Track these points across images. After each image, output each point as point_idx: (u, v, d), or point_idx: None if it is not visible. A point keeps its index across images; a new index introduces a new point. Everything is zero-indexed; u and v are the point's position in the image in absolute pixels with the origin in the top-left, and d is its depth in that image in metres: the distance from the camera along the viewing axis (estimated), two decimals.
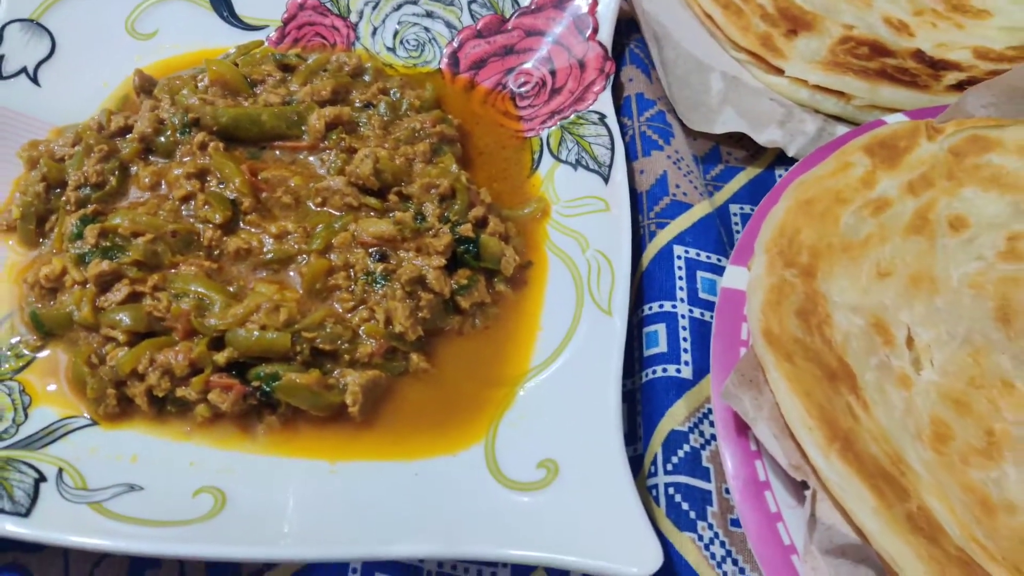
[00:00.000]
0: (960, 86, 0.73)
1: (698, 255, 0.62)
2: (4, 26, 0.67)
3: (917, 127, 0.63)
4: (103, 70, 0.71)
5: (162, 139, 0.63)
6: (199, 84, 0.67)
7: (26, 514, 0.46)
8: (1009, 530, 0.47)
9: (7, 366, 0.54)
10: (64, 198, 0.60)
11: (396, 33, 0.77)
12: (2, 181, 0.62)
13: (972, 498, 0.49)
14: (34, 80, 0.67)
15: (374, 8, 0.76)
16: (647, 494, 0.52)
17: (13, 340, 0.55)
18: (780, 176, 0.72)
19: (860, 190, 0.60)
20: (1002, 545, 0.47)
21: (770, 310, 0.52)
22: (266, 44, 0.75)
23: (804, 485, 0.48)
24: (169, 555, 0.48)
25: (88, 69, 0.70)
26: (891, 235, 0.59)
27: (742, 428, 0.51)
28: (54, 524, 0.46)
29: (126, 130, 0.64)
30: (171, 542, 0.46)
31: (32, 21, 0.68)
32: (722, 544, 0.51)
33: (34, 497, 0.47)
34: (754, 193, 0.71)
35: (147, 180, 0.61)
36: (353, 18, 0.76)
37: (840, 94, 0.75)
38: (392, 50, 0.76)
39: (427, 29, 0.77)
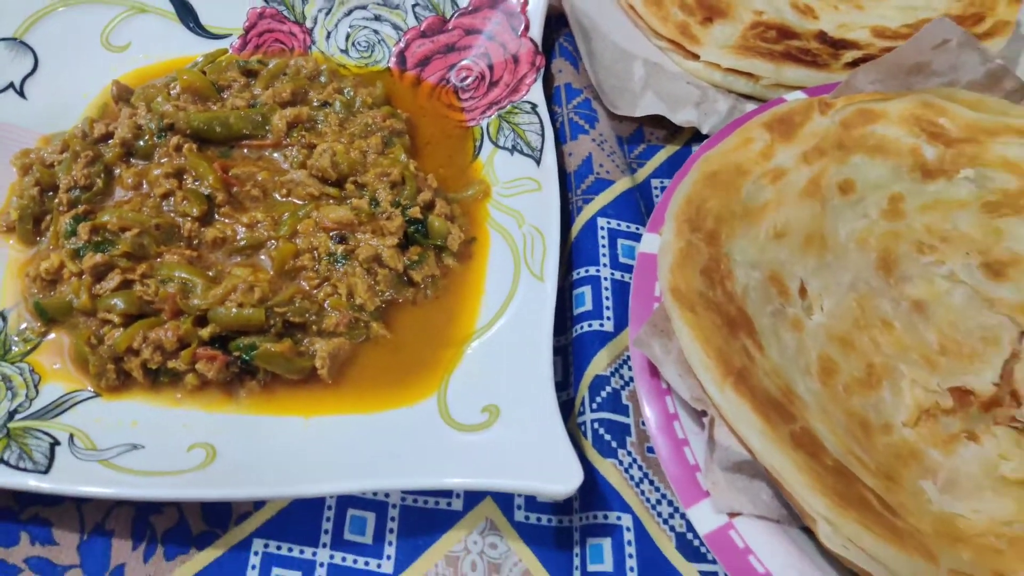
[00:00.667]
0: (856, 63, 0.77)
1: (619, 225, 0.68)
2: None
3: (811, 103, 0.67)
4: (82, 81, 0.75)
5: (141, 143, 0.68)
6: (172, 92, 0.71)
7: (46, 471, 0.52)
8: (884, 446, 0.53)
9: (16, 350, 0.60)
10: (57, 200, 0.65)
11: (348, 36, 0.80)
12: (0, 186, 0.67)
13: (854, 421, 0.53)
14: (21, 93, 0.71)
15: (327, 14, 0.80)
16: (577, 430, 0.58)
17: (21, 327, 0.61)
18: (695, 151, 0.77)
19: (760, 162, 0.63)
20: (878, 459, 0.52)
21: (678, 269, 0.56)
22: (230, 51, 0.79)
23: (704, 414, 0.53)
24: (170, 498, 0.54)
25: (69, 81, 0.74)
26: (787, 200, 0.62)
27: (654, 371, 0.56)
28: (70, 478, 0.52)
29: (108, 136, 0.69)
30: (172, 488, 0.52)
31: (16, 39, 0.72)
32: (640, 468, 0.57)
33: (51, 458, 0.53)
34: (673, 168, 0.76)
35: (130, 180, 0.66)
36: (308, 24, 0.80)
37: (750, 75, 0.79)
38: (345, 52, 0.80)
39: (376, 31, 0.80)
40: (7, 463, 0.52)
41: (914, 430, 0.54)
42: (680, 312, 0.54)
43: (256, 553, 0.55)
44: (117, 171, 0.67)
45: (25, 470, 0.52)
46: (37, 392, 0.58)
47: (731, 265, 0.58)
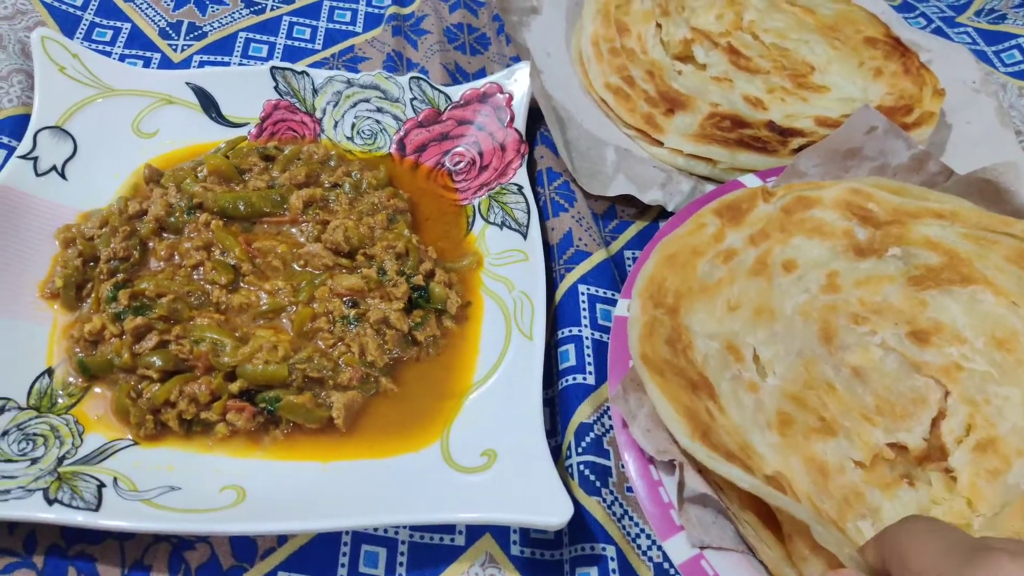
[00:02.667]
0: (801, 149, 0.83)
1: (597, 291, 0.76)
2: (37, 132, 0.77)
3: (755, 192, 0.73)
4: (115, 164, 0.81)
5: (172, 219, 0.75)
6: (199, 174, 0.79)
7: (96, 509, 0.56)
8: (837, 488, 0.57)
9: (62, 402, 0.65)
10: (98, 270, 0.71)
11: (353, 125, 0.88)
12: (43, 258, 0.73)
13: (813, 467, 0.58)
14: (62, 175, 0.78)
15: (335, 106, 0.88)
16: (565, 472, 0.64)
17: (70, 380, 0.66)
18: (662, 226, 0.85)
19: (712, 244, 0.69)
20: (831, 504, 0.56)
21: (645, 340, 0.61)
22: (248, 138, 0.86)
23: (672, 463, 0.58)
24: (206, 533, 0.59)
25: (104, 164, 0.80)
26: (738, 277, 0.68)
27: None
28: (118, 515, 0.56)
29: (141, 213, 0.76)
30: (207, 523, 0.57)
31: (57, 127, 0.79)
32: (620, 505, 0.63)
33: (99, 498, 0.58)
34: (643, 240, 0.84)
35: (163, 252, 0.73)
36: (318, 115, 0.88)
37: (709, 160, 0.86)
38: (351, 139, 0.88)
39: (378, 121, 0.89)
40: (61, 502, 0.57)
41: (864, 472, 0.58)
42: (650, 375, 0.58)
43: None
44: (151, 244, 0.74)
45: (78, 508, 0.57)
46: (82, 440, 0.63)
47: (691, 336, 0.63)
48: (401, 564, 0.62)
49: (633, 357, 0.60)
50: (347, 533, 0.63)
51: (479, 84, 0.89)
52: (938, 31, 1.14)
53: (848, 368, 0.64)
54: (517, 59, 1.03)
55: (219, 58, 0.97)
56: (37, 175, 0.77)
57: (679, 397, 0.57)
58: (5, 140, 0.81)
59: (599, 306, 0.75)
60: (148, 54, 0.97)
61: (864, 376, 0.63)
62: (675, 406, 0.57)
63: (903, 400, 0.62)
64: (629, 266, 0.82)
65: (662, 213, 0.87)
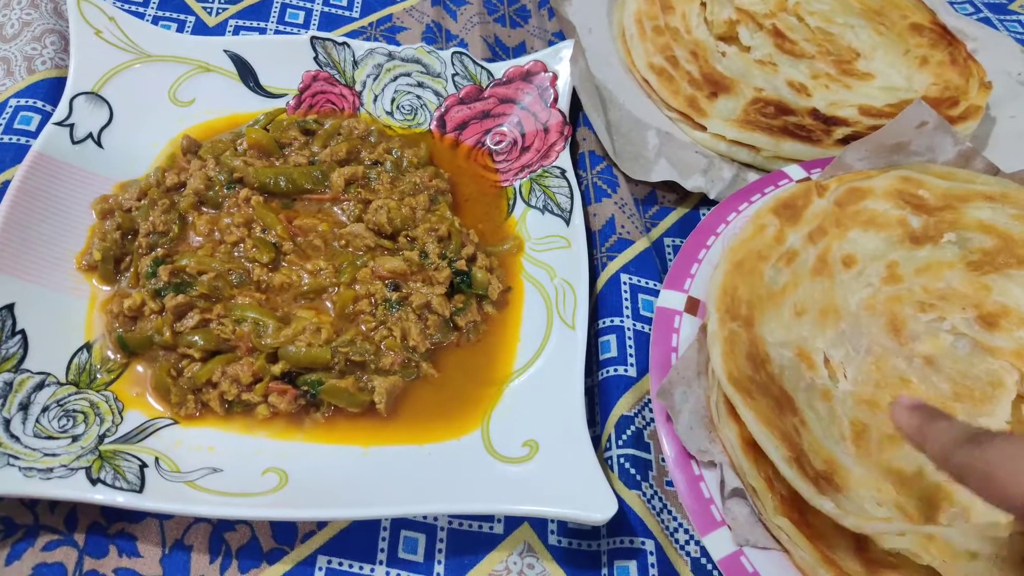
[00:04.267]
0: (846, 140, 0.84)
1: (639, 281, 0.75)
2: (73, 98, 0.76)
3: (809, 187, 0.72)
4: (152, 133, 0.80)
5: (211, 193, 0.74)
6: (239, 147, 0.78)
7: (140, 491, 0.56)
8: (919, 491, 0.57)
9: (100, 378, 0.65)
10: (136, 243, 0.70)
11: (393, 100, 0.87)
12: (80, 228, 0.72)
13: (890, 475, 0.58)
14: (98, 143, 0.76)
15: (375, 79, 0.87)
16: (605, 464, 0.64)
17: (108, 355, 0.66)
18: (703, 214, 0.84)
19: (774, 246, 0.68)
20: (915, 505, 0.56)
21: (728, 358, 0.60)
22: (287, 109, 0.85)
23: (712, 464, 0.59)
24: (250, 518, 0.59)
25: (140, 132, 0.79)
26: (801, 280, 0.67)
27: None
28: (162, 497, 0.56)
29: (179, 185, 0.75)
30: (252, 508, 0.57)
31: (93, 93, 0.78)
32: (660, 499, 0.63)
33: (142, 478, 0.58)
34: (683, 228, 0.83)
35: (202, 227, 0.72)
36: (358, 88, 0.87)
37: (751, 147, 0.85)
38: (390, 114, 0.87)
39: (419, 97, 0.87)
40: (105, 482, 0.57)
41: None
42: (743, 399, 0.57)
43: (320, 569, 0.60)
44: (190, 218, 0.73)
45: (122, 489, 0.57)
46: (122, 418, 0.63)
47: (767, 348, 0.63)
48: (440, 551, 0.62)
49: (719, 378, 0.59)
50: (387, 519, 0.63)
51: (523, 62, 0.87)
52: (986, 20, 1.12)
53: (920, 358, 0.64)
54: (560, 35, 1.01)
55: (254, 23, 0.95)
56: (73, 143, 0.75)
57: (772, 420, 0.57)
58: (40, 104, 0.79)
59: (641, 296, 0.74)
60: (182, 16, 0.95)
61: (937, 364, 0.64)
62: (771, 431, 0.56)
63: (980, 384, 0.62)
64: (669, 254, 0.81)
65: (703, 200, 0.86)
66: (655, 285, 0.76)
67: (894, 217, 0.72)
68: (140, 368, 0.67)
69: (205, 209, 0.74)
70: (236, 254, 0.71)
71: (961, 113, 0.90)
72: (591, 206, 0.81)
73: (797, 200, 0.72)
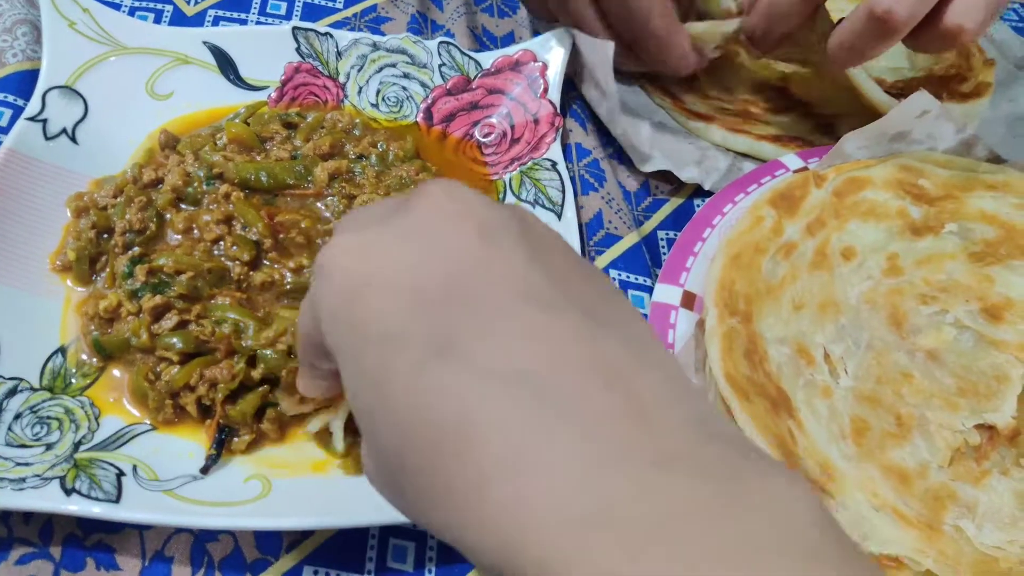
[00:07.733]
0: None
1: (628, 277, 0.73)
2: (46, 93, 0.73)
3: (807, 178, 0.71)
4: (129, 128, 0.77)
5: (190, 190, 0.71)
6: (218, 142, 0.75)
7: (117, 500, 0.54)
8: (922, 492, 0.56)
9: (75, 383, 0.63)
10: (112, 242, 0.67)
11: (378, 91, 0.85)
12: (54, 227, 0.69)
13: (892, 475, 0.57)
14: (73, 139, 0.74)
15: (359, 71, 0.84)
16: None
17: (84, 359, 0.64)
18: (698, 205, 0.82)
19: (772, 239, 0.67)
20: (917, 508, 0.55)
21: (727, 356, 0.59)
22: (268, 102, 0.82)
23: None
24: (232, 527, 0.57)
25: (116, 127, 0.76)
26: (800, 273, 0.66)
27: None
28: (141, 507, 0.54)
29: (156, 182, 0.72)
30: (233, 517, 0.55)
31: (67, 87, 0.75)
32: None
33: (119, 488, 0.56)
34: (677, 220, 0.81)
35: (180, 225, 0.69)
36: (341, 79, 0.84)
37: (747, 131, 0.84)
38: (375, 106, 0.84)
39: (404, 88, 0.85)
40: (80, 492, 0.55)
41: (949, 470, 0.58)
42: (739, 402, 0.57)
43: None
44: (168, 215, 0.70)
45: (97, 499, 0.55)
46: (98, 425, 0.61)
47: (765, 345, 0.62)
48: (431, 559, 0.60)
49: (716, 376, 0.59)
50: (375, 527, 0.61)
51: (512, 51, 0.84)
52: None
53: (922, 352, 0.63)
54: (547, 26, 0.98)
55: (235, 15, 0.93)
56: (46, 139, 0.73)
57: (768, 425, 0.57)
58: (11, 99, 0.77)
59: (631, 292, 0.73)
60: (160, 6, 0.92)
61: (940, 358, 0.63)
62: (765, 435, 0.56)
63: (985, 378, 0.61)
64: (663, 247, 0.80)
65: (698, 191, 0.84)
66: (645, 281, 0.74)
67: (894, 207, 0.71)
68: (117, 372, 0.65)
69: (184, 206, 0.72)
70: (216, 252, 0.69)
71: (972, 89, 0.89)
72: (578, 199, 0.79)
73: (795, 191, 0.71)
